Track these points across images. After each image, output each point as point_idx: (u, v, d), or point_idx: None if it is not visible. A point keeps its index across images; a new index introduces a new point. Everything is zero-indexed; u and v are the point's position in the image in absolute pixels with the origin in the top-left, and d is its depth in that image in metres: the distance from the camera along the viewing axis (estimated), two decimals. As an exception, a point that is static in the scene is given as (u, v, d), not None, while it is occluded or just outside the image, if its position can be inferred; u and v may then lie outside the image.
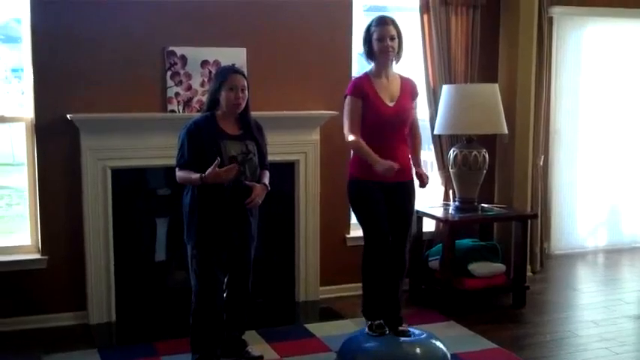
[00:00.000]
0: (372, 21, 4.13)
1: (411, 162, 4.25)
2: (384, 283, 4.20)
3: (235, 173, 3.72)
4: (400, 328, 4.18)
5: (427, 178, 4.25)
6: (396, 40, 4.08)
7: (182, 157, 3.80)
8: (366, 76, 4.16)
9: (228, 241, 3.88)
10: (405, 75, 4.30)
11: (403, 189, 4.18)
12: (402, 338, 4.06)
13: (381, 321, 4.16)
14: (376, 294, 4.22)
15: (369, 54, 4.14)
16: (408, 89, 4.21)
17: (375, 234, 4.13)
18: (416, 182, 4.27)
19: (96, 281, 4.77)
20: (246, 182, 3.84)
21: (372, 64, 4.17)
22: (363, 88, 4.08)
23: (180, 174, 3.82)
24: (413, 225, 4.35)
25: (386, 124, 4.08)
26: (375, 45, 4.07)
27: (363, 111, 4.06)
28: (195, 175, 3.72)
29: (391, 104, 4.10)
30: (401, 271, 4.25)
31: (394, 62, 4.17)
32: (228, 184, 3.77)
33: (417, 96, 4.30)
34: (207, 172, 3.67)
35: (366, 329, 4.18)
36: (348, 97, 4.10)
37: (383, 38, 4.04)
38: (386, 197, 4.13)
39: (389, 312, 4.21)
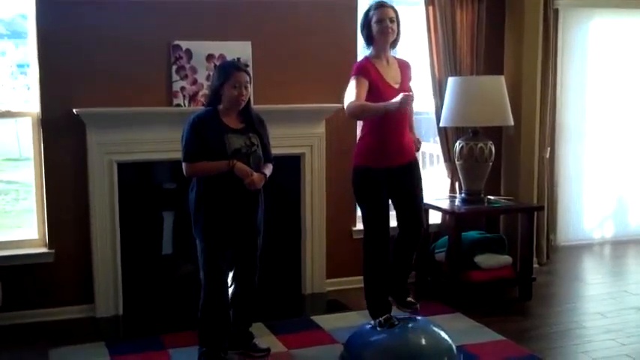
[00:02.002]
0: (371, 5, 4.12)
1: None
2: (385, 276, 4.20)
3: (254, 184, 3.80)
4: (408, 299, 4.26)
5: (419, 143, 4.28)
6: (395, 23, 4.07)
7: (189, 152, 3.80)
8: (367, 60, 4.12)
9: (234, 235, 3.89)
10: (400, 57, 4.31)
11: (408, 170, 4.19)
12: (410, 326, 4.02)
13: (388, 314, 4.10)
14: (379, 289, 4.22)
15: (368, 38, 4.12)
16: (406, 72, 4.22)
17: (375, 220, 4.15)
18: None
19: (103, 275, 4.80)
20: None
21: (371, 49, 4.15)
22: (369, 71, 4.03)
23: (195, 166, 3.79)
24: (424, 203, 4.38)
25: None
26: (375, 27, 4.05)
27: (369, 95, 3.98)
28: (222, 162, 3.74)
29: (396, 86, 4.09)
30: (415, 243, 4.26)
31: (391, 47, 4.16)
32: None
33: (412, 77, 4.29)
34: (237, 162, 3.73)
35: (376, 326, 4.01)
36: (355, 77, 4.01)
37: (382, 20, 4.03)
38: (393, 181, 4.14)
39: (397, 285, 4.25)
